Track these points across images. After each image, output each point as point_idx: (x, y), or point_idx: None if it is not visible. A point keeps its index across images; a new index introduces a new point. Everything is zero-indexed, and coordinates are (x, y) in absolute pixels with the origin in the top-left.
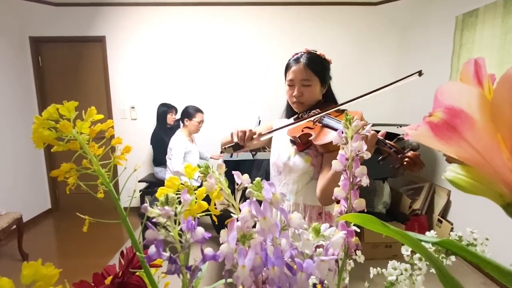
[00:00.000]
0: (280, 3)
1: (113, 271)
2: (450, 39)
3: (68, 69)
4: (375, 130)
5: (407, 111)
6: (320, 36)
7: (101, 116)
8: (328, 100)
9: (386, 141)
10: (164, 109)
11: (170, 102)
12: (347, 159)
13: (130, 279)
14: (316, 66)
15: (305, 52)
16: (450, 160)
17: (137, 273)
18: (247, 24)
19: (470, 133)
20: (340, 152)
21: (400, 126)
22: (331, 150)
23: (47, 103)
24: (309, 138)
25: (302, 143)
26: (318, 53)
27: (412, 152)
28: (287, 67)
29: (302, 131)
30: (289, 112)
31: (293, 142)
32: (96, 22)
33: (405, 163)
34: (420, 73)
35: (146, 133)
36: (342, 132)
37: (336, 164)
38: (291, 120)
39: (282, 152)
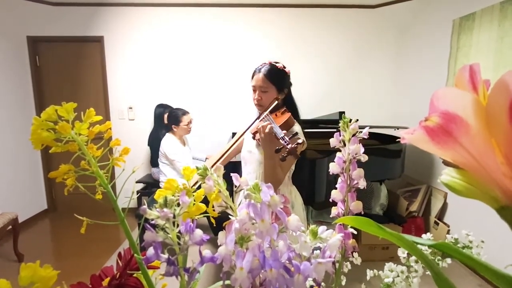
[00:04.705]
0: (278, 5)
1: (111, 273)
2: (447, 42)
3: (66, 69)
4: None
5: (405, 113)
6: (318, 38)
7: (99, 118)
8: (286, 104)
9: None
10: (161, 110)
11: (168, 103)
12: (344, 162)
13: (127, 280)
14: (273, 76)
15: (266, 64)
16: (447, 163)
17: (134, 275)
18: (246, 25)
19: (465, 138)
20: (338, 154)
21: (397, 129)
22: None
23: (44, 102)
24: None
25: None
26: (278, 65)
27: (293, 146)
28: (252, 75)
29: None
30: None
31: (253, 137)
32: (94, 22)
33: (286, 153)
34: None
35: (144, 134)
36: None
37: (334, 167)
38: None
39: (246, 146)
